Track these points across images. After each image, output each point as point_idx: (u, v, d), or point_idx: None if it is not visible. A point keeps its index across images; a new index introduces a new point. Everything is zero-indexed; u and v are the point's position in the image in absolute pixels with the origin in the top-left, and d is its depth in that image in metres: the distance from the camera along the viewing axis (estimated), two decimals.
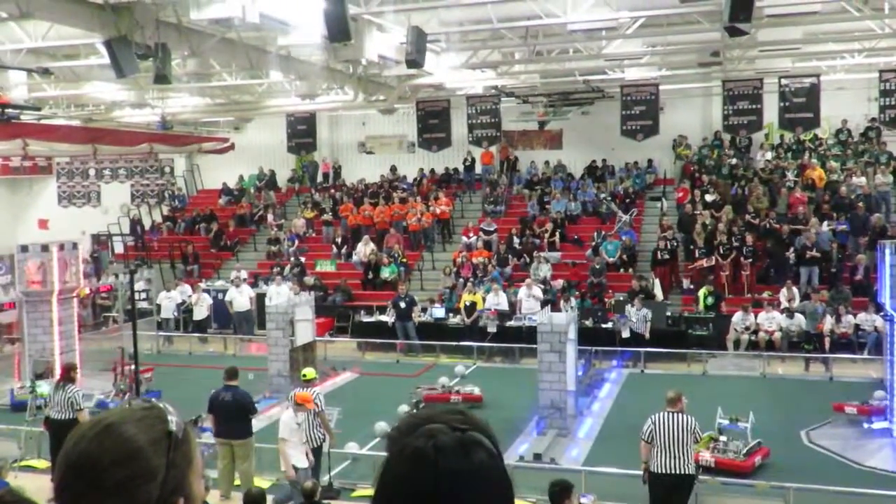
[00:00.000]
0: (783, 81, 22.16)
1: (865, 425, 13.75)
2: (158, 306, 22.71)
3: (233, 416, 10.99)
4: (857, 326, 18.44)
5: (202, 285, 23.59)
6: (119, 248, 29.09)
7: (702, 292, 20.28)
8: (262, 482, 11.09)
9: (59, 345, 17.02)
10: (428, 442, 1.47)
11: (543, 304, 20.02)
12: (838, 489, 9.61)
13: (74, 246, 18.17)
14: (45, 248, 17.35)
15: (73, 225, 29.57)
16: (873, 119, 24.53)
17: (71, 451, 1.53)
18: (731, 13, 11.52)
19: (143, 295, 22.75)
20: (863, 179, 23.29)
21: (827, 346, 18.25)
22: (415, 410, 11.66)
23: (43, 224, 32.37)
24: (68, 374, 11.87)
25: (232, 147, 31.12)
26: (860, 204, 21.94)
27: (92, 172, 33.51)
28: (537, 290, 20.61)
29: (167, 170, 33.14)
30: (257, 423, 13.24)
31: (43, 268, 17.01)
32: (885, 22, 16.99)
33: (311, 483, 9.14)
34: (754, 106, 22.78)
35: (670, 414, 9.20)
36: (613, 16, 15.98)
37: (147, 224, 30.15)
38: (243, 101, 24.61)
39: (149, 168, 33.20)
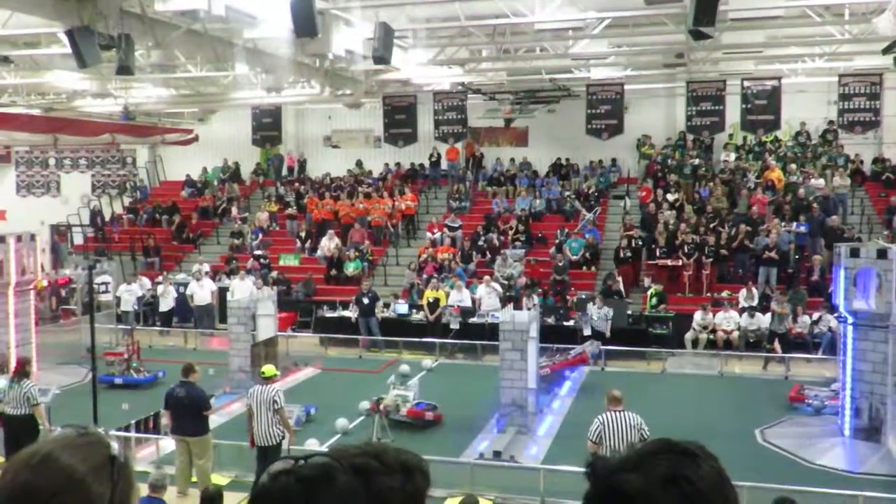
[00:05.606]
0: (746, 83, 22.46)
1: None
2: (119, 299, 22.47)
3: (187, 413, 10.88)
4: (812, 326, 18.77)
5: (170, 276, 23.41)
6: (79, 240, 28.69)
7: (650, 291, 20.56)
8: (220, 479, 11.04)
9: (14, 338, 16.75)
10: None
11: (507, 300, 20.14)
12: (790, 488, 9.78)
13: (32, 237, 17.89)
14: (1, 238, 17.06)
15: (31, 215, 29.10)
16: (831, 122, 24.99)
17: (9, 483, 1.48)
18: (696, 17, 11.68)
19: (104, 288, 22.45)
20: (821, 181, 23.74)
21: (776, 345, 18.52)
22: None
23: (0, 214, 31.80)
24: (23, 369, 11.58)
25: (196, 139, 30.79)
26: (815, 205, 22.36)
27: (52, 162, 33.07)
28: (497, 287, 20.69)
29: (129, 160, 32.78)
30: (217, 419, 13.20)
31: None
32: (845, 27, 17.31)
33: None
34: (717, 107, 23.04)
35: (616, 413, 9.32)
36: (580, 16, 16.15)
37: (108, 215, 29.72)
38: (208, 93, 24.36)
39: (110, 158, 32.83)
